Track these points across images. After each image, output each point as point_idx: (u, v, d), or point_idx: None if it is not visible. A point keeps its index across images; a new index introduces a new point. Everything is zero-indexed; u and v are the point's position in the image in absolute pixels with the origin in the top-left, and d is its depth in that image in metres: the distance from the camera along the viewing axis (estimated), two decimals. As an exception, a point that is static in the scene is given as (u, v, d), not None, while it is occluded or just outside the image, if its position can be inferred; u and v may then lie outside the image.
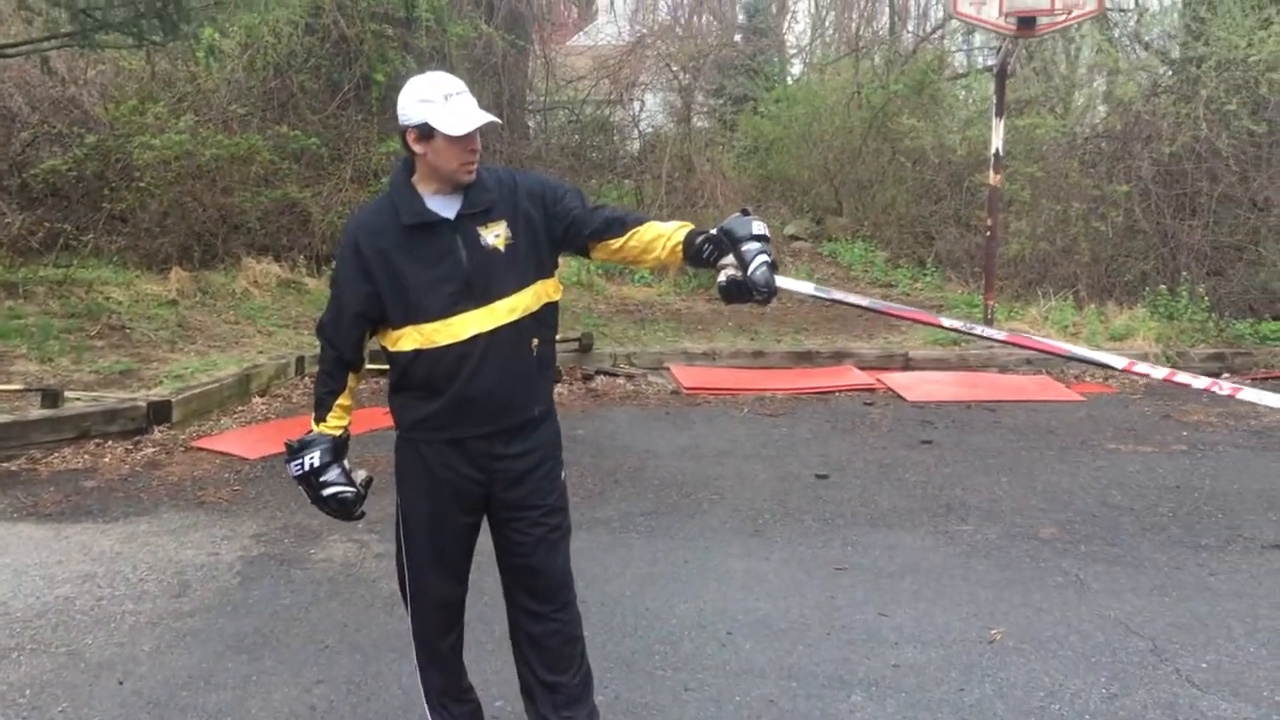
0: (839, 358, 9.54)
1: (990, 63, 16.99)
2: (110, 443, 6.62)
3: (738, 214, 2.95)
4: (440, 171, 2.85)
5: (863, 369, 9.24)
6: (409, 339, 2.88)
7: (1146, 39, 14.23)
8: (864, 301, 2.99)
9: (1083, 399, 8.51)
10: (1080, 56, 17.05)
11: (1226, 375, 9.45)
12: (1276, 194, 10.95)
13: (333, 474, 3.03)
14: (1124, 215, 11.20)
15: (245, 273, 10.60)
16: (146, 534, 5.23)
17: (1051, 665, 3.87)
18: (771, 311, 11.46)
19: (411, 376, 2.92)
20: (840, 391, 8.65)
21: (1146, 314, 10.35)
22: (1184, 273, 10.66)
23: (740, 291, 2.86)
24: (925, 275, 13.15)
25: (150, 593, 4.53)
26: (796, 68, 21.13)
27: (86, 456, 6.42)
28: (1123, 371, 2.72)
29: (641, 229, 2.98)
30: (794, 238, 14.88)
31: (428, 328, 2.85)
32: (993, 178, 10.17)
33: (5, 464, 6.23)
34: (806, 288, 2.95)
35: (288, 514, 5.55)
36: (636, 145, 15.72)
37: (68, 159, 10.88)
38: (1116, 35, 14.06)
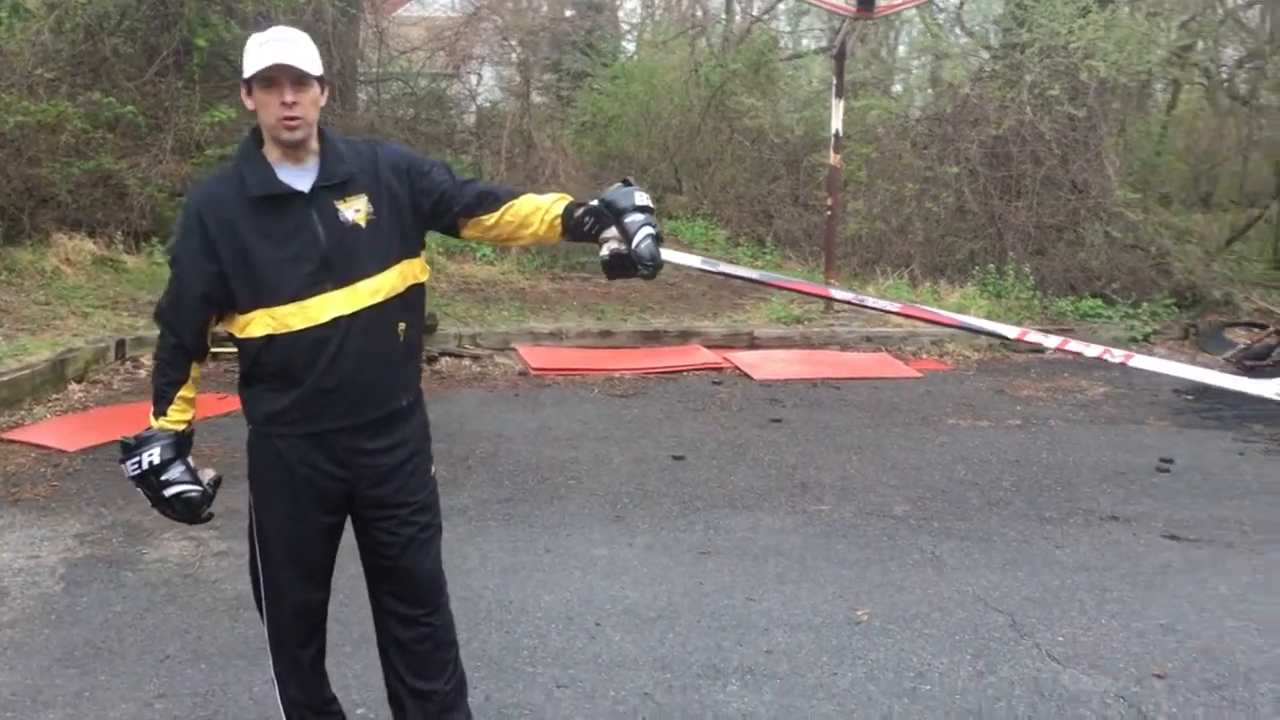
0: (686, 336, 9.54)
1: (821, 45, 17.37)
2: (-92, 436, 6.05)
3: (619, 184, 2.80)
4: (266, 129, 2.62)
5: (710, 348, 9.27)
6: (260, 324, 2.63)
7: (970, 26, 14.76)
8: (753, 274, 2.92)
9: (920, 375, 8.74)
10: (899, 41, 17.62)
11: (1051, 351, 9.88)
12: (1094, 176, 11.50)
13: (175, 472, 2.76)
14: (954, 196, 11.57)
15: (56, 249, 9.85)
16: (-45, 537, 4.78)
17: (918, 645, 3.90)
18: (617, 290, 11.37)
19: (263, 365, 2.68)
20: (689, 371, 8.65)
21: (976, 292, 10.74)
22: (1010, 252, 11.09)
23: (624, 265, 2.71)
24: (765, 254, 13.30)
25: (-38, 603, 4.13)
26: (627, 45, 21.07)
27: (-120, 452, 5.85)
28: (1016, 340, 2.73)
29: (517, 203, 2.81)
30: (634, 215, 14.82)
31: (281, 311, 2.61)
32: (833, 158, 10.33)
33: None
34: (694, 261, 2.84)
35: (115, 511, 5.16)
36: (473, 120, 15.38)
37: None
38: (941, 20, 14.53)
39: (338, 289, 2.63)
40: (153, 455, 2.73)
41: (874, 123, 12.62)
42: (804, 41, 18.93)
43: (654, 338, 9.51)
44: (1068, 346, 2.67)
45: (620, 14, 22.06)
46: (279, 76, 2.54)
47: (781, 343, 9.58)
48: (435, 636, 2.91)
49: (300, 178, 2.65)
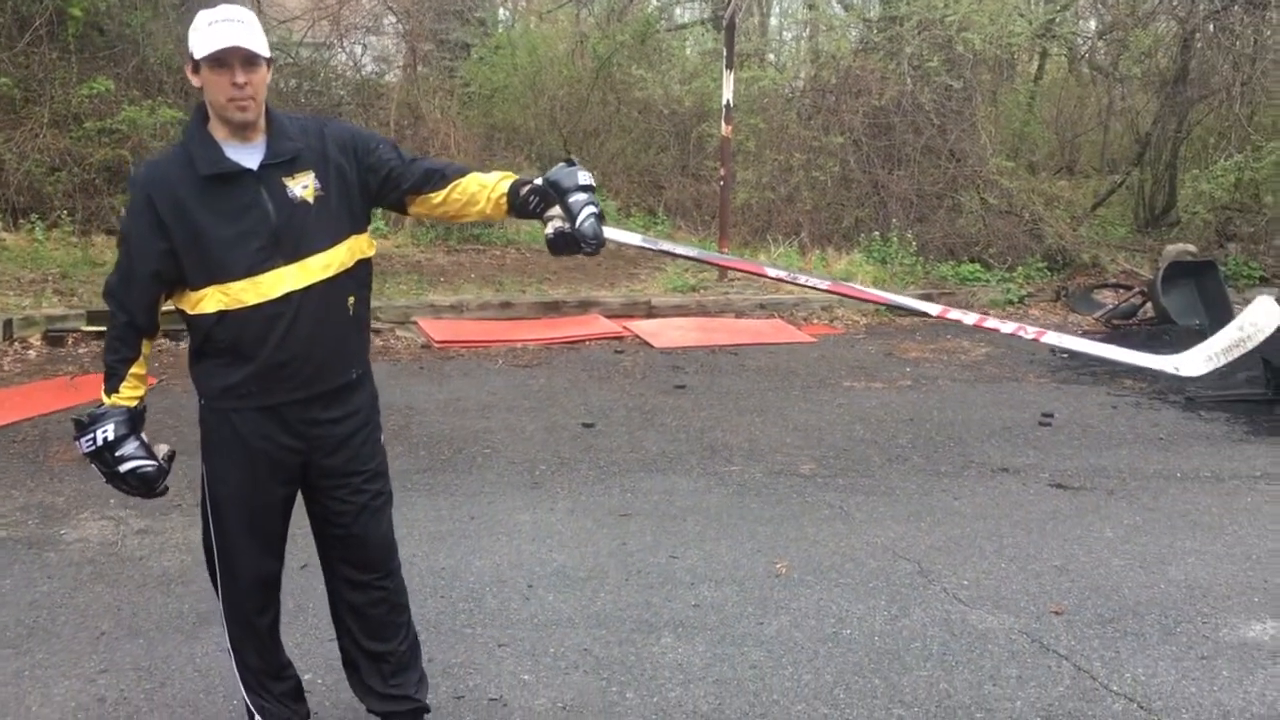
0: (585, 306, 9.66)
1: (703, 17, 17.56)
2: None
3: (562, 164, 2.90)
4: (214, 108, 2.66)
5: (609, 317, 9.41)
6: (212, 300, 2.67)
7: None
8: (691, 252, 3.05)
9: (814, 340, 9.04)
10: (772, 12, 17.91)
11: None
12: (970, 146, 11.96)
13: (130, 447, 2.79)
14: (839, 165, 11.91)
15: (-72, 228, 9.48)
16: None
17: (835, 593, 4.14)
18: (513, 261, 11.46)
19: (216, 341, 2.71)
20: (590, 340, 8.78)
21: (863, 258, 11.10)
22: (894, 219, 11.49)
23: (568, 243, 2.83)
24: (657, 224, 13.47)
25: (-121, 591, 4.05)
26: (503, 14, 20.91)
27: None
28: (937, 318, 2.91)
29: (464, 181, 2.90)
30: (523, 187, 14.84)
31: (234, 287, 2.66)
32: (724, 128, 10.53)
33: None
34: (634, 239, 2.96)
35: (25, 493, 5.08)
36: (359, 91, 15.12)
37: None
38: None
39: (288, 264, 2.69)
40: (106, 432, 2.75)
41: (760, 94, 12.87)
42: (681, 13, 19.06)
43: (554, 308, 9.61)
44: (985, 324, 2.88)
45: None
46: (229, 57, 2.57)
47: (679, 311, 9.78)
48: (389, 600, 3.00)
49: (248, 155, 2.69)
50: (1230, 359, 2.84)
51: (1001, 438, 6.29)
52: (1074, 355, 8.46)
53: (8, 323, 7.82)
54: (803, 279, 3.08)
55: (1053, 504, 5.17)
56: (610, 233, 2.87)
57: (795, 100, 13.17)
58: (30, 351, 7.72)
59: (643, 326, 9.14)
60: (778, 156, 12.12)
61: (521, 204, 2.88)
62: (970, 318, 2.90)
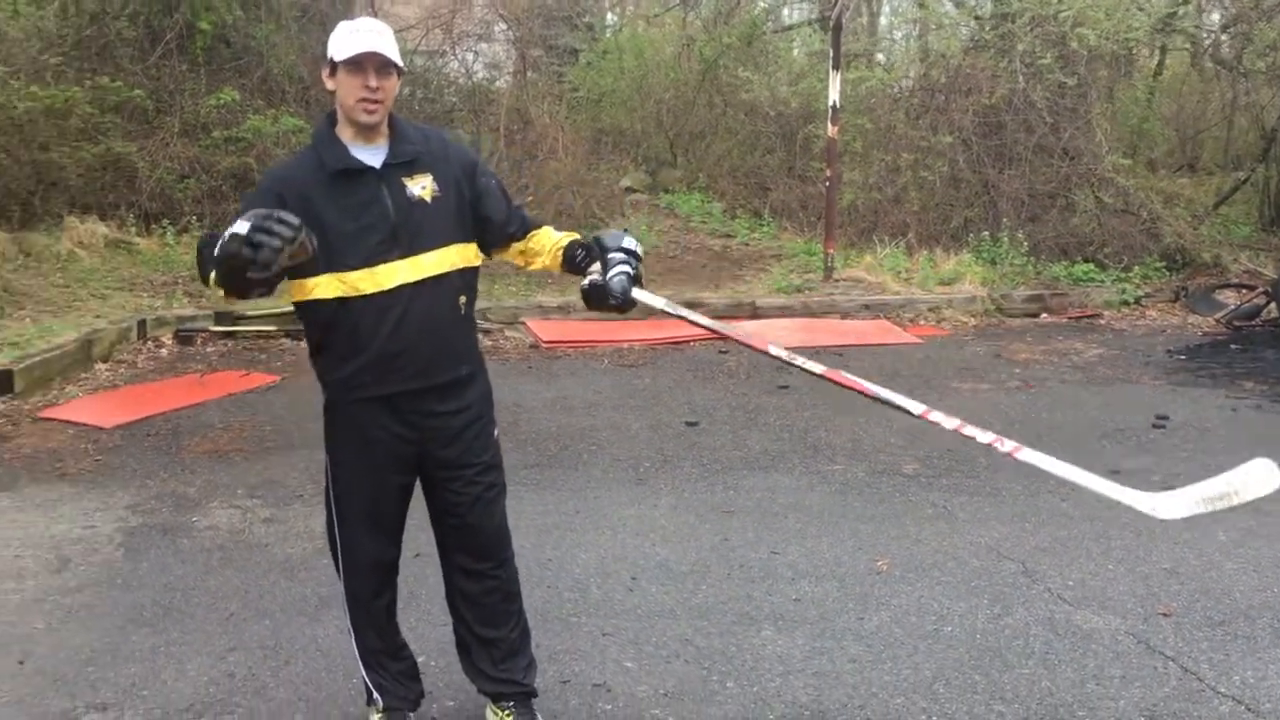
0: (690, 308, 9.70)
1: (810, 18, 17.50)
2: (-51, 416, 6.25)
3: (617, 230, 3.10)
4: (345, 109, 2.83)
5: (714, 318, 9.46)
6: (330, 287, 2.81)
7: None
8: (705, 321, 3.14)
9: (920, 341, 8.98)
10: (883, 11, 17.75)
11: (1046, 314, 10.15)
12: (1085, 143, 11.72)
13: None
14: (948, 165, 11.78)
15: (69, 233, 10.02)
16: (10, 510, 4.99)
17: (937, 591, 4.15)
18: (619, 263, 11.58)
19: (334, 330, 2.86)
20: (694, 341, 8.87)
21: (972, 259, 10.96)
22: (1004, 219, 11.32)
23: (599, 295, 2.99)
24: (762, 225, 13.50)
25: (29, 570, 4.34)
26: (611, 18, 21.12)
27: (-75, 432, 6.05)
28: (918, 417, 2.94)
29: (539, 233, 3.13)
30: (630, 190, 15.00)
31: (351, 276, 2.81)
32: (830, 129, 10.52)
33: None
34: (659, 303, 3.08)
35: (159, 483, 5.38)
36: (470, 98, 15.48)
37: None
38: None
39: (403, 258, 2.84)
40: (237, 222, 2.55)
41: (867, 94, 12.81)
42: (788, 14, 19.03)
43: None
44: (964, 431, 2.90)
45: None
46: (366, 62, 2.76)
47: (783, 312, 9.81)
48: (502, 588, 3.14)
49: (372, 156, 2.86)
50: (1210, 510, 2.81)
51: (1113, 440, 6.19)
52: (1188, 354, 8.26)
53: (141, 323, 8.24)
54: (798, 360, 3.14)
55: (1164, 507, 5.07)
56: (638, 293, 3.01)
57: (903, 100, 13.06)
58: (162, 350, 8.13)
59: (747, 327, 9.19)
60: (885, 157, 12.06)
61: (572, 259, 3.08)
62: (951, 422, 2.90)
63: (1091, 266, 11.00)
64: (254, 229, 2.42)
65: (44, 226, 10.18)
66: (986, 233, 11.30)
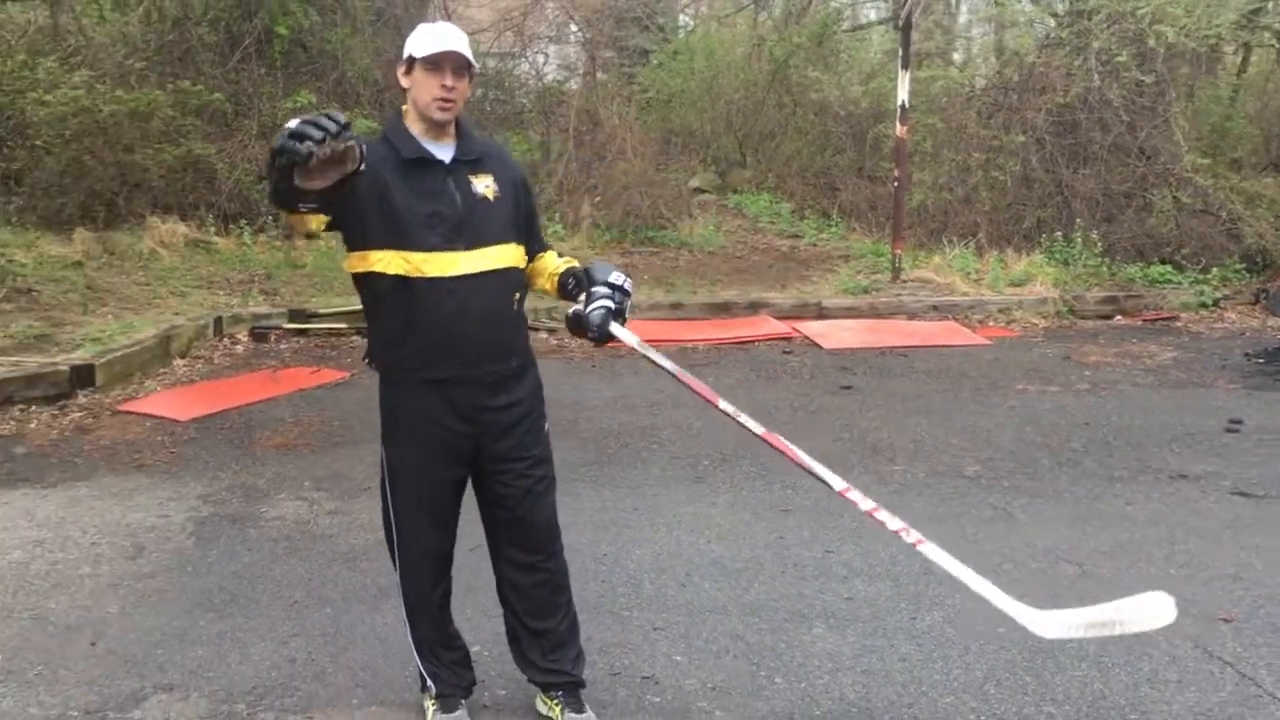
0: (755, 308, 9.75)
1: (883, 16, 17.37)
2: (34, 408, 6.49)
3: (608, 264, 3.21)
4: (418, 106, 2.92)
5: (778, 318, 9.48)
6: (393, 264, 2.89)
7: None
8: (668, 365, 3.17)
9: (989, 343, 8.88)
10: (959, 9, 17.55)
11: (1119, 317, 9.97)
12: (1162, 143, 11.48)
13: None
14: (1021, 165, 11.62)
15: (151, 233, 10.34)
16: (89, 498, 5.18)
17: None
18: (685, 263, 11.64)
19: (390, 306, 2.93)
20: (759, 341, 8.87)
21: (1044, 260, 10.80)
22: (1078, 219, 11.14)
23: (579, 324, 3.12)
24: (830, 226, 13.44)
25: (105, 555, 4.51)
26: (685, 19, 21.15)
27: (12, 423, 6.29)
28: (838, 494, 2.97)
29: (546, 255, 3.28)
30: (699, 190, 15.03)
31: (416, 257, 2.89)
32: (899, 129, 10.45)
33: (-75, 433, 6.08)
34: (633, 340, 3.13)
35: (231, 475, 5.53)
36: (540, 99, 15.62)
37: (-47, 116, 10.44)
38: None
39: (466, 250, 2.93)
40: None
41: (939, 93, 12.68)
42: (867, 13, 18.94)
43: (724, 309, 9.74)
44: (876, 515, 2.91)
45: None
46: (444, 61, 2.86)
47: (849, 312, 9.76)
48: (551, 580, 3.20)
49: (441, 151, 2.97)
50: (1088, 636, 2.78)
51: (1183, 444, 6.07)
52: (1266, 358, 8.06)
53: (218, 320, 8.47)
54: (743, 418, 3.15)
55: (1233, 512, 4.98)
56: (616, 329, 3.11)
57: (975, 99, 12.91)
58: (238, 346, 8.34)
59: (812, 328, 9.17)
60: (955, 156, 11.93)
61: (564, 285, 3.23)
62: (866, 503, 2.91)
63: (1168, 268, 10.78)
64: (301, 122, 2.42)
65: (127, 226, 10.51)
66: (1060, 233, 11.13)
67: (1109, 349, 8.66)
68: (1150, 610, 2.67)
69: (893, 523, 2.83)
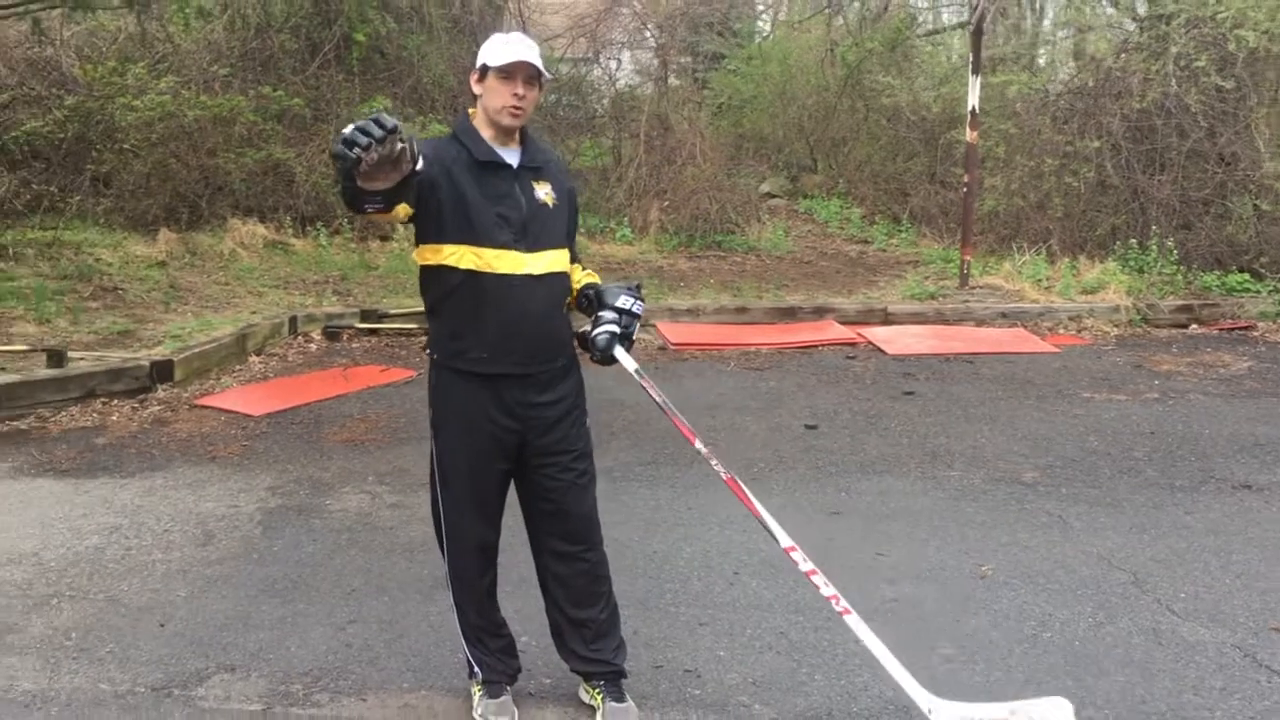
0: (820, 313, 9.76)
1: (959, 20, 17.21)
2: (116, 401, 6.75)
3: (624, 285, 3.31)
4: (489, 112, 3.05)
5: (844, 324, 9.47)
6: (465, 258, 3.02)
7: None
8: (657, 397, 3.27)
9: (1057, 350, 8.78)
10: (1044, 12, 17.29)
11: (1195, 325, 9.78)
12: (1243, 149, 11.23)
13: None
14: (1095, 171, 11.45)
15: (232, 234, 10.67)
16: (164, 487, 5.39)
17: (1040, 597, 4.12)
18: (752, 268, 11.68)
19: (457, 299, 3.05)
20: (823, 346, 8.87)
21: (1117, 267, 10.63)
22: (1154, 226, 10.94)
23: (585, 344, 3.24)
24: (901, 231, 13.38)
25: (176, 542, 4.70)
26: (763, 25, 21.18)
27: (94, 415, 6.56)
28: (783, 550, 3.04)
29: (573, 267, 3.33)
30: (770, 195, 15.06)
31: (488, 253, 3.02)
32: (970, 134, 10.38)
33: (14, 422, 6.36)
34: (631, 366, 3.24)
35: (299, 468, 5.72)
36: (613, 104, 15.77)
37: (48, 121, 10.87)
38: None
39: (529, 252, 3.07)
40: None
41: (1013, 98, 12.56)
42: (943, 16, 18.80)
43: (789, 314, 9.75)
44: (814, 578, 2.97)
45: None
46: (517, 71, 3.01)
47: (915, 318, 9.72)
48: (592, 571, 3.29)
49: (509, 156, 3.11)
50: None
51: (1250, 454, 5.97)
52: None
53: (293, 319, 8.72)
54: (713, 462, 3.24)
55: (1295, 523, 4.90)
56: (619, 353, 3.23)
57: (1051, 104, 12.74)
58: (311, 345, 8.58)
59: (877, 333, 9.16)
60: (1028, 162, 11.79)
61: (579, 301, 3.32)
62: (807, 564, 2.97)
63: (1246, 276, 10.54)
64: (353, 129, 2.52)
65: (209, 228, 10.86)
66: (1134, 240, 10.94)
67: (1182, 358, 8.51)
68: (1047, 714, 2.74)
69: (826, 589, 2.93)
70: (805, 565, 2.98)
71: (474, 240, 3.01)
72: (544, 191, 3.13)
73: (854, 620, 2.86)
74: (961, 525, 4.90)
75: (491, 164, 3.06)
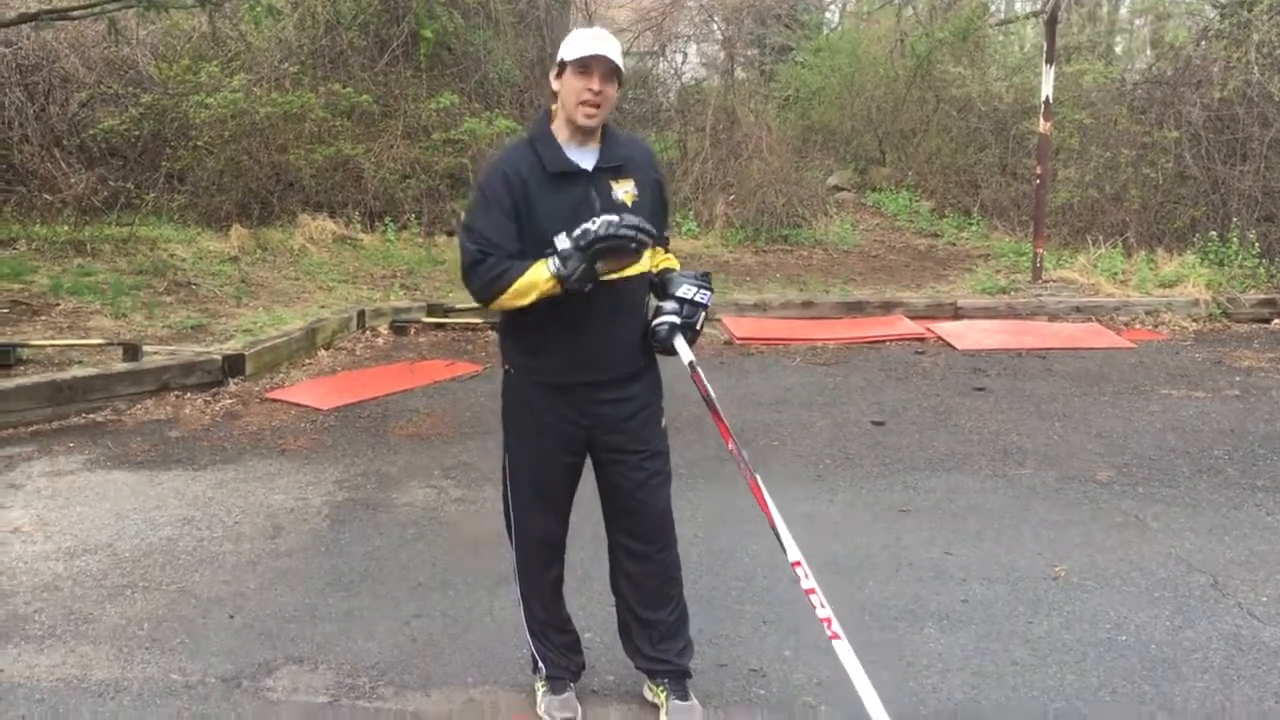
0: (888, 307, 9.63)
1: (1033, 8, 16.88)
2: (189, 394, 6.87)
3: (691, 274, 3.23)
4: (565, 109, 2.99)
5: (912, 318, 9.34)
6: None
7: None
8: (710, 392, 3.22)
9: (1134, 346, 8.57)
10: (1121, 1, 16.90)
11: (1277, 320, 9.50)
12: (1330, 139, 10.87)
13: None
14: (1174, 161, 11.17)
15: (302, 229, 10.81)
16: (235, 480, 5.47)
17: (1116, 600, 4.02)
18: (819, 262, 11.57)
19: (534, 315, 3.00)
20: (891, 341, 8.76)
21: (1196, 260, 10.36)
22: (1234, 219, 10.64)
23: (647, 333, 3.19)
24: (971, 224, 13.17)
25: (247, 534, 4.76)
26: (830, 16, 20.98)
27: (168, 408, 6.67)
28: (791, 564, 2.97)
29: (657, 250, 3.28)
30: (837, 188, 14.90)
31: None
32: (1043, 125, 10.18)
33: (92, 415, 6.49)
34: (687, 356, 3.19)
35: (366, 461, 5.76)
36: (678, 97, 15.72)
37: (125, 119, 11.10)
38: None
39: None
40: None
41: (1088, 88, 12.29)
42: (1016, 4, 18.48)
43: (856, 309, 9.64)
44: (812, 596, 2.90)
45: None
46: (594, 65, 2.94)
47: (986, 313, 9.55)
48: (662, 572, 3.27)
49: (585, 158, 3.04)
50: None
51: (1335, 454, 5.79)
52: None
53: (361, 314, 8.81)
54: (743, 464, 3.20)
55: (1385, 526, 4.73)
56: (678, 344, 3.16)
57: (1128, 93, 12.45)
58: (379, 339, 8.66)
59: (946, 328, 9.01)
60: (1104, 153, 11.53)
61: (653, 284, 3.26)
62: (808, 582, 2.94)
63: (1333, 269, 10.21)
64: (625, 226, 2.87)
65: (280, 223, 11.01)
66: (1215, 233, 10.65)
67: (1264, 354, 8.27)
68: None
69: (821, 611, 2.87)
70: (807, 583, 2.95)
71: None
72: (623, 190, 3.05)
73: (842, 647, 2.81)
74: (1034, 525, 4.80)
75: (565, 174, 3.00)
